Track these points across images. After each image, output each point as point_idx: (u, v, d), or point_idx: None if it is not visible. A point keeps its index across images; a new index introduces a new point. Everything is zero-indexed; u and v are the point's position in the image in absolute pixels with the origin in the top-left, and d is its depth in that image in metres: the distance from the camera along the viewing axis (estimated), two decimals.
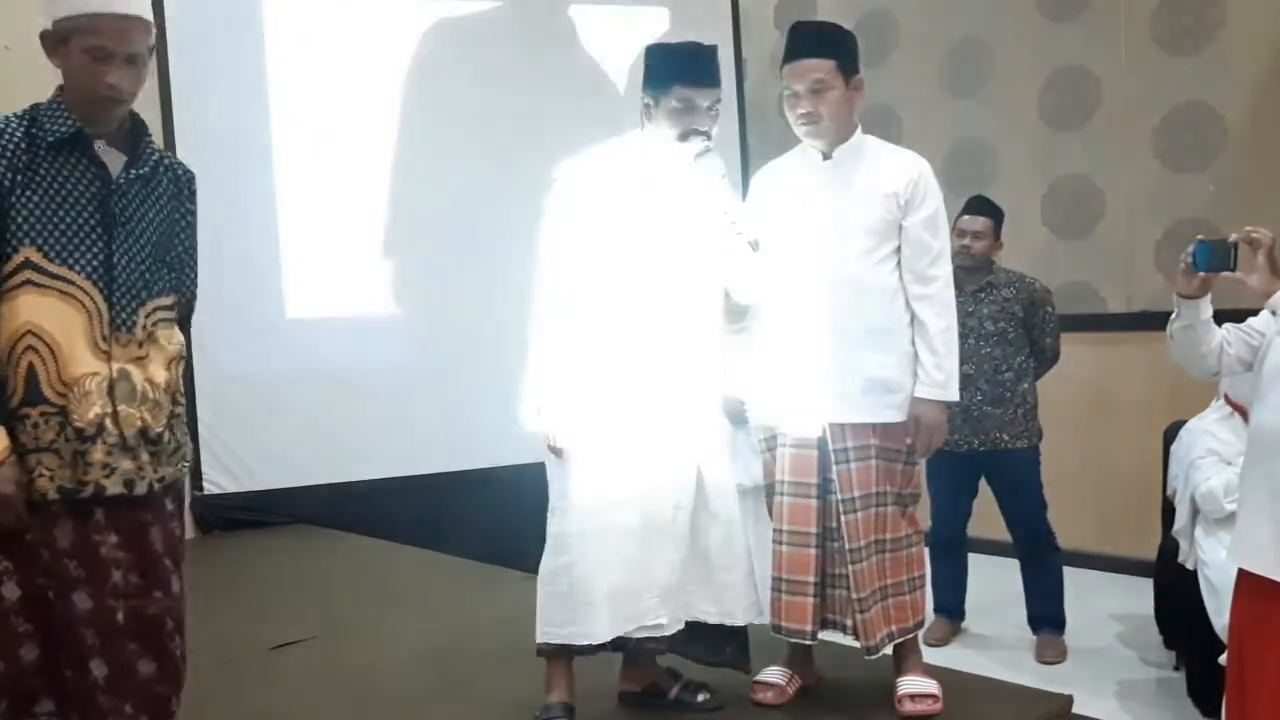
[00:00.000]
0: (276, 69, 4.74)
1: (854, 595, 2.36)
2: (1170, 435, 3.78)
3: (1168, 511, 3.68)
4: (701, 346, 2.38)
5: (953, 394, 2.41)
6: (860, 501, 2.36)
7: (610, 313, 2.30)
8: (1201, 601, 3.08)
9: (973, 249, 3.81)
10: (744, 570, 2.42)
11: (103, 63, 1.83)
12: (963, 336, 3.83)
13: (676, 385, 2.34)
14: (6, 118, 1.91)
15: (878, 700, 2.46)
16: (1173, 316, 2.33)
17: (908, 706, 2.39)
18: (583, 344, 2.28)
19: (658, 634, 2.33)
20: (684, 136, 2.28)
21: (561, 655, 2.34)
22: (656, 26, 5.37)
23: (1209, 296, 2.27)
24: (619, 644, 2.36)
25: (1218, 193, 4.54)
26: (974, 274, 3.85)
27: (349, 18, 4.85)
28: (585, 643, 2.28)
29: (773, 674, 2.53)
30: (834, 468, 2.37)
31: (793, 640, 2.46)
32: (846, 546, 2.35)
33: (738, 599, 2.40)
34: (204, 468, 4.67)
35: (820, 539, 2.39)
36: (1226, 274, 2.22)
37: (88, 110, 1.86)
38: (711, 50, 2.33)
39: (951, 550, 4.00)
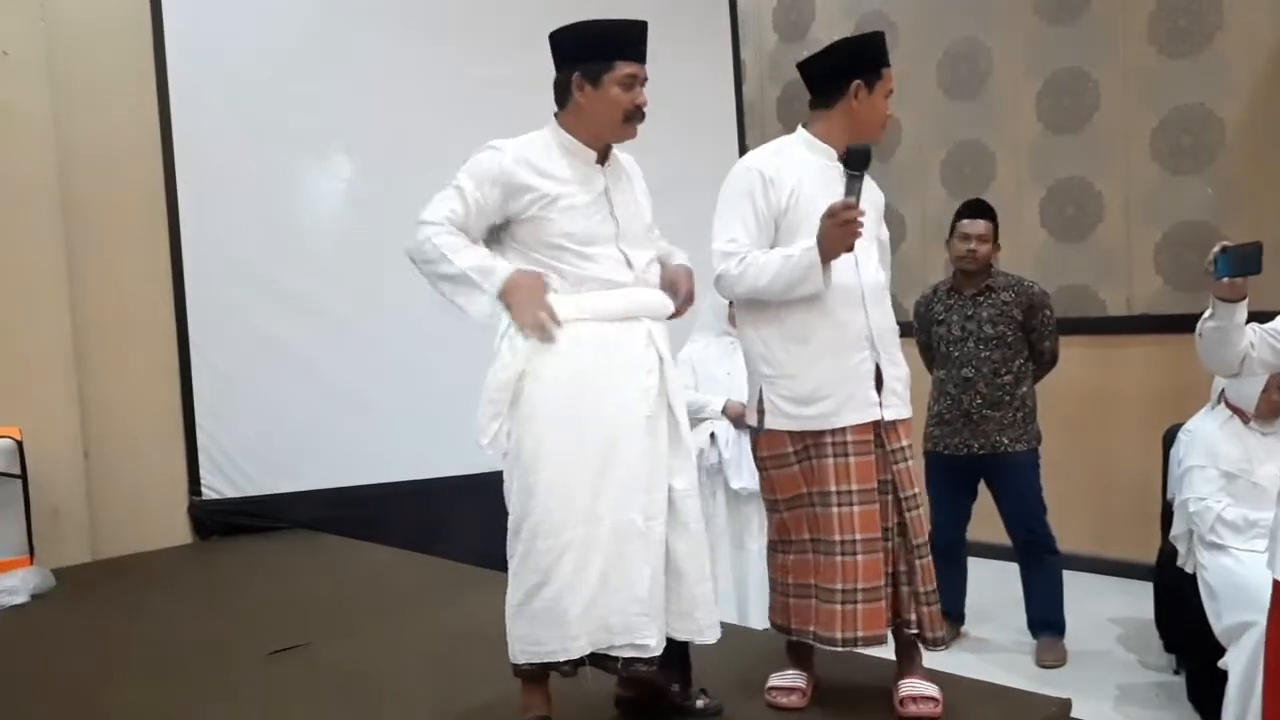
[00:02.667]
0: (272, 77, 4.73)
1: (921, 589, 2.38)
2: (1170, 438, 3.78)
3: (1167, 515, 3.68)
4: (660, 343, 2.31)
5: None
6: (919, 497, 2.42)
7: (564, 312, 2.21)
8: (1202, 605, 3.08)
9: (978, 253, 3.81)
10: (710, 584, 2.35)
11: None
12: (962, 340, 3.85)
13: (637, 388, 2.24)
14: None
15: (878, 703, 2.45)
16: (1205, 315, 2.38)
17: (909, 708, 2.38)
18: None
19: (645, 654, 2.21)
20: (629, 117, 2.26)
21: (538, 674, 2.26)
22: (652, 28, 5.36)
23: (1244, 300, 2.31)
24: (604, 665, 2.25)
25: (1216, 195, 4.55)
26: (973, 277, 3.85)
27: (351, 17, 4.85)
28: (564, 658, 2.19)
29: (792, 678, 2.51)
30: (893, 468, 2.38)
31: (870, 649, 2.40)
32: (913, 542, 2.38)
33: (708, 615, 2.30)
34: (202, 473, 4.66)
35: (883, 540, 2.38)
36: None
37: None
38: (645, 26, 2.29)
39: (951, 554, 4.00)
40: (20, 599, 3.78)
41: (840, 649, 2.37)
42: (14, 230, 4.22)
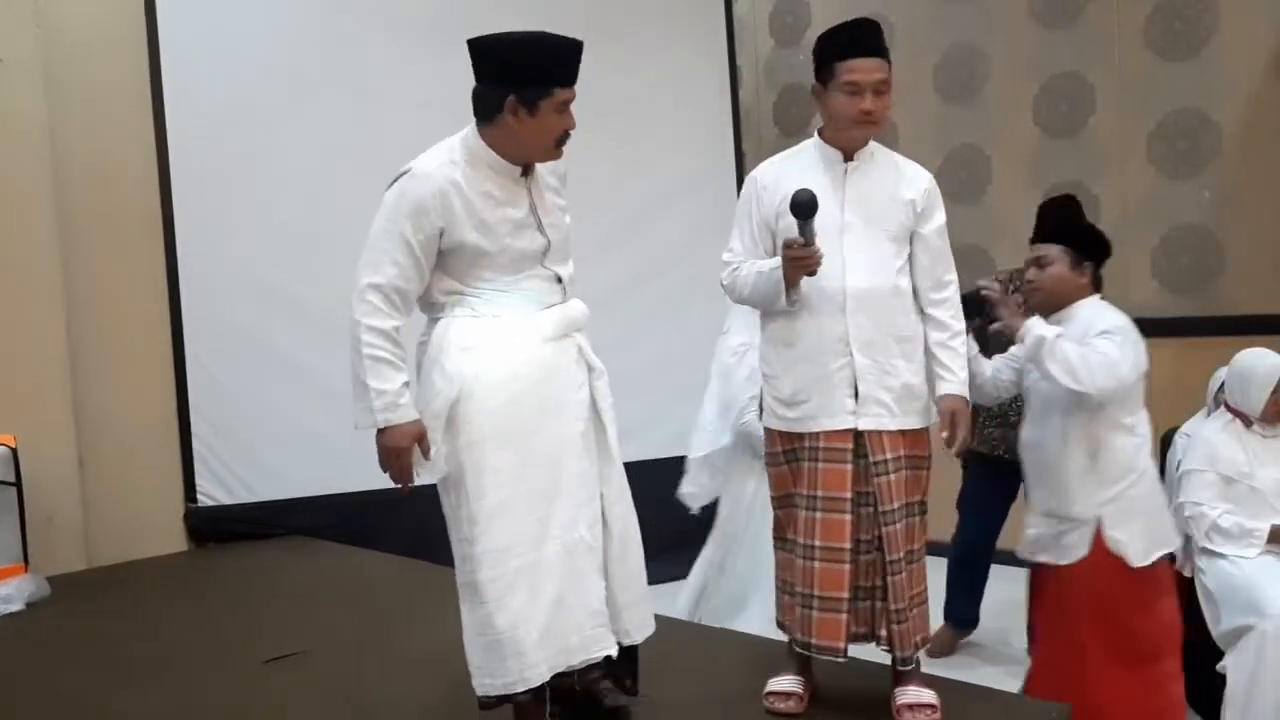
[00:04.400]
0: (273, 85, 4.72)
1: (892, 606, 2.35)
2: (1167, 441, 3.77)
3: None
4: (589, 355, 2.33)
5: (968, 391, 2.48)
6: (900, 512, 2.35)
7: (493, 323, 2.21)
8: (1199, 608, 3.07)
9: None
10: (641, 586, 2.37)
11: None
12: None
13: (573, 405, 2.26)
14: None
15: (876, 709, 2.44)
16: None
17: (906, 717, 2.37)
18: (470, 359, 2.18)
19: (591, 661, 2.25)
20: (560, 141, 2.20)
21: (510, 701, 2.22)
22: (649, 34, 5.37)
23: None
24: (561, 682, 2.25)
25: (1212, 198, 4.55)
26: None
27: (346, 24, 4.85)
28: (524, 688, 2.15)
29: (789, 683, 2.49)
30: (874, 480, 2.34)
31: (824, 657, 2.39)
32: (887, 558, 2.34)
33: (633, 618, 2.33)
34: (197, 480, 4.65)
35: (853, 554, 2.35)
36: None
37: None
38: (582, 46, 2.17)
39: (978, 559, 3.95)
40: (15, 607, 3.76)
41: (799, 651, 2.41)
42: (9, 237, 4.22)
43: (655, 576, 4.80)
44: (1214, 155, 4.53)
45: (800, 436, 2.40)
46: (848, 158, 2.42)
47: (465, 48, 2.19)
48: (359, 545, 4.51)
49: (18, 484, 4.03)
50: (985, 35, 5.19)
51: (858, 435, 2.35)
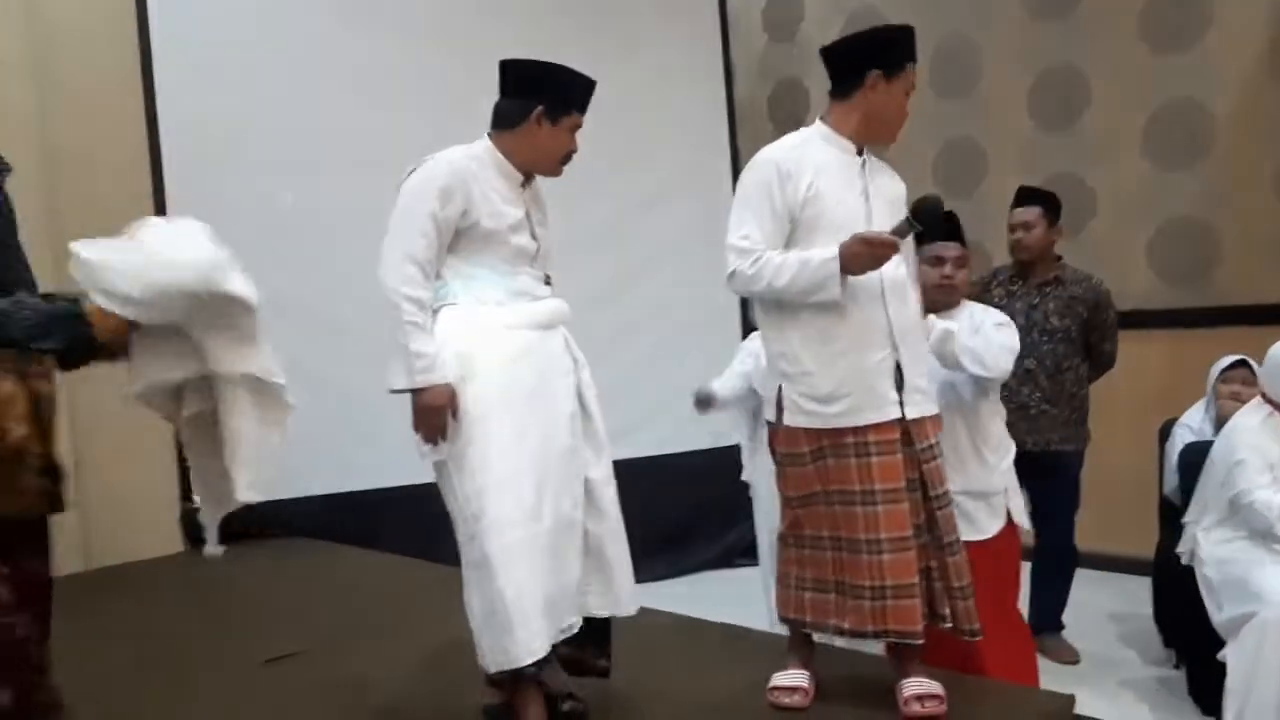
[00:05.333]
0: (265, 78, 4.70)
1: (955, 584, 2.39)
2: (1164, 433, 3.78)
3: (1164, 509, 3.68)
4: (574, 348, 2.47)
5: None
6: (947, 495, 2.41)
7: (493, 309, 2.36)
8: (1200, 599, 3.07)
9: (1023, 241, 3.66)
10: (628, 564, 2.47)
11: None
12: (1025, 330, 3.69)
13: (562, 388, 2.40)
14: None
15: (880, 701, 2.44)
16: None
17: (914, 708, 2.37)
18: (473, 340, 2.32)
19: (568, 635, 2.34)
20: (565, 159, 2.45)
21: (518, 680, 2.29)
22: (642, 30, 5.35)
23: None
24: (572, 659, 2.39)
25: (1207, 190, 4.56)
26: (1035, 267, 3.69)
27: (339, 19, 4.83)
28: (530, 659, 2.21)
29: (795, 677, 2.49)
30: (923, 466, 2.36)
31: (904, 642, 2.37)
32: (944, 540, 2.38)
33: (623, 588, 2.44)
34: (193, 481, 4.62)
35: (914, 538, 2.35)
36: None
37: None
38: (595, 84, 2.49)
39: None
40: None
41: (872, 640, 2.42)
42: None
43: (646, 575, 4.82)
44: (1209, 147, 4.54)
45: (839, 433, 2.35)
46: (858, 151, 2.45)
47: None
48: (356, 545, 4.50)
49: None
50: (979, 28, 5.19)
51: (901, 424, 2.35)
